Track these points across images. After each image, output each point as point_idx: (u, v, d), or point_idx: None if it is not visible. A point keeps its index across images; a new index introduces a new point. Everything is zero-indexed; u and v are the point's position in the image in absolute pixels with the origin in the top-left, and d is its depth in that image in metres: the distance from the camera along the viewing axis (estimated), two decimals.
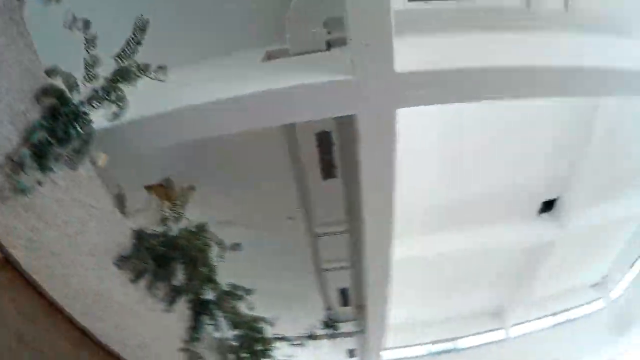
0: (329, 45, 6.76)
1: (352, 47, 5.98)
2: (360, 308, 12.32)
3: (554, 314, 20.77)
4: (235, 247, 7.27)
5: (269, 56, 6.92)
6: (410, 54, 6.56)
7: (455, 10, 6.99)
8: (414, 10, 6.73)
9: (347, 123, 7.39)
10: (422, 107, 7.49)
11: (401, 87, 6.61)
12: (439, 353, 18.65)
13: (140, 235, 5.81)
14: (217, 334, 8.15)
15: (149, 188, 7.29)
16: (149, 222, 6.28)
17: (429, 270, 14.69)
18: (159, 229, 6.33)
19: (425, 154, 10.79)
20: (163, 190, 7.27)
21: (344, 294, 11.79)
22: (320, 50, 6.75)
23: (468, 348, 19.27)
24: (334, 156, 8.34)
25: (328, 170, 8.51)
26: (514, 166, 12.37)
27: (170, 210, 6.84)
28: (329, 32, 6.67)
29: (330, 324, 12.50)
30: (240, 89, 6.39)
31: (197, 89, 6.54)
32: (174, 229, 6.56)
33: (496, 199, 13.16)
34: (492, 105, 8.42)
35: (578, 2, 7.99)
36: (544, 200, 14.23)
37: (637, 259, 20.21)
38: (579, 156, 13.05)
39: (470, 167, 11.76)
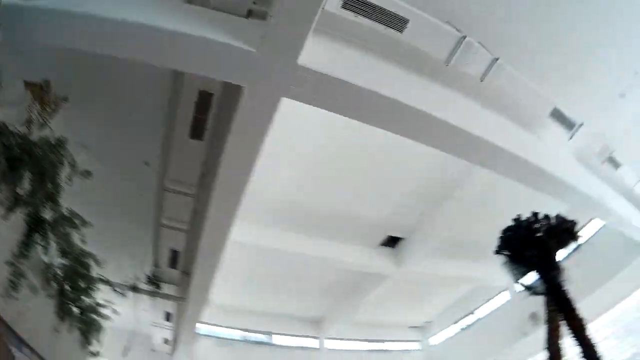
0: (249, 14, 6.66)
1: (269, 24, 6.02)
2: (187, 275, 12.22)
3: (370, 341, 21.83)
4: (86, 174, 7.04)
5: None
6: (319, 54, 6.72)
7: (381, 34, 7.14)
8: (343, 19, 6.78)
9: (231, 93, 7.36)
10: (306, 109, 7.61)
11: (296, 79, 6.73)
12: (254, 342, 18.86)
13: (1, 129, 5.50)
14: (45, 258, 7.76)
15: (27, 84, 6.77)
16: (13, 119, 5.90)
17: (263, 262, 14.99)
18: (21, 130, 6.01)
19: (294, 153, 11.05)
20: (39, 91, 6.78)
21: (174, 256, 11.61)
22: (239, 15, 6.65)
23: (282, 346, 19.63)
24: (208, 119, 8.25)
25: (197, 131, 8.40)
26: (372, 194, 12.88)
27: (39, 114, 6.46)
28: (254, 2, 6.59)
29: (154, 281, 12.26)
30: (144, 18, 6.20)
31: (108, 2, 6.22)
32: (35, 135, 6.23)
33: (346, 218, 13.65)
34: (372, 133, 8.59)
35: (495, 79, 8.39)
36: (390, 235, 14.96)
37: (461, 319, 22.22)
38: (436, 209, 13.91)
39: (332, 181, 12.15)
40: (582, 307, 5.73)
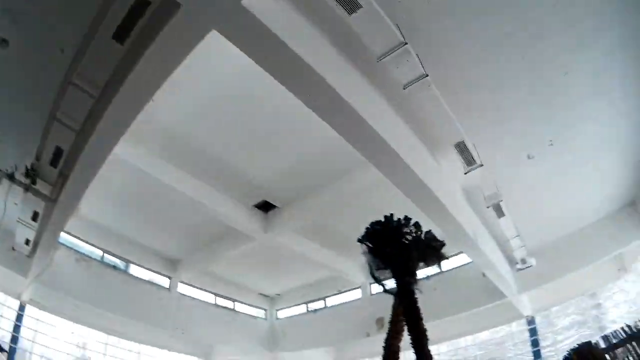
0: None
1: None
2: (64, 177, 11.79)
3: (220, 296, 22.32)
4: (3, 43, 6.77)
5: None
6: (265, 4, 6.77)
7: (329, 9, 7.33)
8: None
9: (167, 9, 7.08)
10: (232, 52, 7.60)
11: (233, 16, 6.71)
12: (110, 266, 18.54)
13: None
14: None
15: None
16: None
17: (138, 187, 14.91)
18: None
19: (203, 90, 11.18)
20: None
21: (58, 154, 11.05)
22: None
23: (136, 277, 19.48)
24: (136, 26, 7.96)
25: (121, 34, 8.06)
26: (263, 155, 13.37)
27: None
28: None
29: (31, 175, 11.75)
30: None
31: None
32: None
33: (230, 170, 14.06)
34: (284, 97, 8.61)
35: (416, 93, 8.83)
36: (266, 200, 15.58)
37: (310, 301, 23.44)
38: (317, 190, 14.48)
39: (229, 130, 12.54)
40: (427, 328, 5.52)
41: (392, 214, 6.08)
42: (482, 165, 11.17)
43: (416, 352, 5.23)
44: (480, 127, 10.99)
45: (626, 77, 10.41)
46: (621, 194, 15.56)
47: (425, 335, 5.34)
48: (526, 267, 16.18)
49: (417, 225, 5.95)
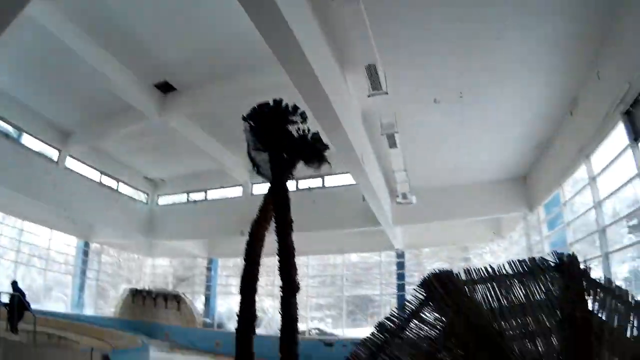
0: None
1: None
2: None
3: (104, 174, 22.33)
4: None
5: None
6: None
7: None
8: None
9: None
10: None
11: None
12: (2, 133, 17.52)
13: None
14: None
15: None
16: None
17: (44, 50, 13.91)
18: None
19: None
20: None
21: None
22: None
23: (27, 147, 18.51)
24: None
25: None
26: (175, 34, 12.92)
27: None
28: None
29: None
30: None
31: None
32: None
33: (139, 43, 13.44)
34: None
35: (342, 6, 8.83)
36: (167, 81, 15.30)
37: (192, 192, 24.20)
38: (222, 79, 14.68)
39: (146, 3, 11.99)
40: (296, 238, 5.71)
41: (281, 99, 6.01)
42: (387, 93, 11.30)
43: (279, 241, 5.57)
44: (396, 58, 11.15)
45: (556, 68, 11.16)
46: (515, 166, 16.85)
47: (291, 226, 5.68)
48: (406, 203, 16.85)
49: (303, 115, 5.95)
